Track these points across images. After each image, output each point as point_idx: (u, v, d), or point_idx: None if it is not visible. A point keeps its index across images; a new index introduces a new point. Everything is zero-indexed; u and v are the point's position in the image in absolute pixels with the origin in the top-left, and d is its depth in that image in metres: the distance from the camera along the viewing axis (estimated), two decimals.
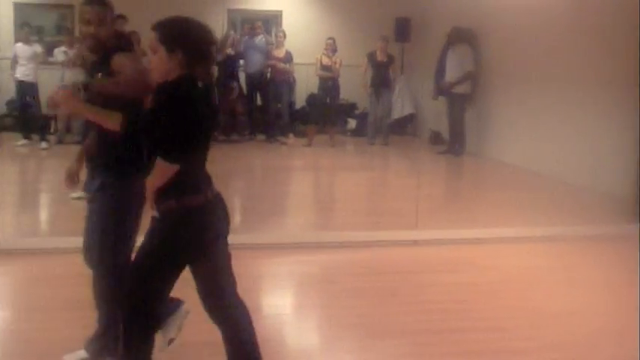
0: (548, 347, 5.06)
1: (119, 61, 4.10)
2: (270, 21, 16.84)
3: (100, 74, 4.14)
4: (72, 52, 13.79)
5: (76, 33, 14.84)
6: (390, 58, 15.08)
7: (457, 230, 8.11)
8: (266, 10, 16.86)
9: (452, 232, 7.99)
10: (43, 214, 9.64)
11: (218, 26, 16.12)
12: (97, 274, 4.38)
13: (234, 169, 12.55)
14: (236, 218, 9.48)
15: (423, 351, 4.96)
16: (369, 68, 15.08)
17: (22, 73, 13.78)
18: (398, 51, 15.67)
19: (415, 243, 7.62)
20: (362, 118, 16.13)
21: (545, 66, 11.66)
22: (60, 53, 14.03)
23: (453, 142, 13.92)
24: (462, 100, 13.77)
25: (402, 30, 15.96)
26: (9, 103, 15.05)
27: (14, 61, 13.81)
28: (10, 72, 13.96)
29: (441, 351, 4.97)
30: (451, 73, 13.87)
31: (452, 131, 14.02)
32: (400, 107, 15.90)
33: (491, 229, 8.15)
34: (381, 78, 14.99)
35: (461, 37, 13.87)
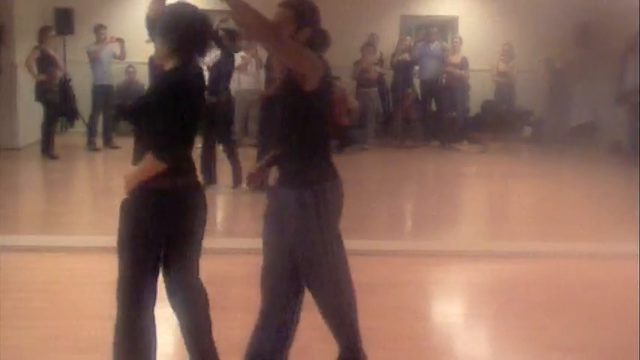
0: None
1: None
2: (446, 26, 16.75)
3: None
4: (249, 56, 14.12)
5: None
6: (569, 64, 14.71)
7: (624, 243, 7.73)
8: (441, 16, 16.78)
9: (629, 246, 7.66)
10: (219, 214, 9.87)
11: (391, 32, 16.19)
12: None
13: (407, 175, 12.56)
14: (407, 224, 9.49)
15: None
16: (547, 74, 14.75)
17: None
18: (577, 57, 15.27)
19: (592, 255, 7.37)
20: (538, 125, 15.82)
21: None
22: (238, 58, 14.36)
23: (632, 153, 13.41)
24: None
25: (582, 35, 15.55)
26: None
27: None
28: None
29: None
30: (632, 81, 13.38)
31: (631, 141, 13.52)
32: (578, 114, 15.50)
33: None
34: (559, 85, 14.64)
35: None
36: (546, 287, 6.48)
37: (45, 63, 12.84)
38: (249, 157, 11.61)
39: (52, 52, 13.03)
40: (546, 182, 12.13)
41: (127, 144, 14.12)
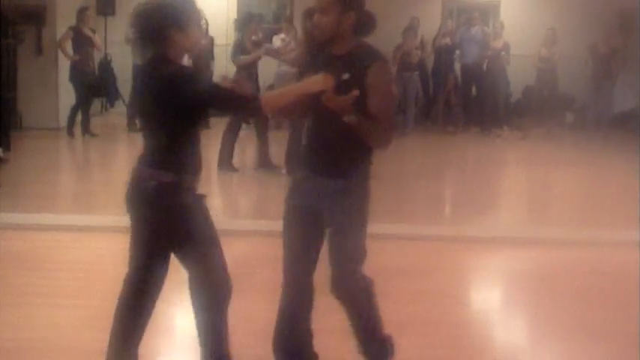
0: None
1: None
2: (488, 11, 16.60)
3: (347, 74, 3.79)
4: (289, 39, 14.11)
5: (295, 20, 15.22)
6: (613, 50, 14.49)
7: None
8: (483, 1, 16.63)
9: None
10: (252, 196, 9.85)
11: (433, 16, 16.09)
12: None
13: (448, 161, 12.48)
14: (447, 209, 9.41)
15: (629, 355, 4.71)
16: (591, 60, 14.55)
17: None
18: (621, 43, 15.05)
19: (631, 244, 7.23)
20: (580, 111, 15.64)
21: None
22: (278, 40, 14.37)
23: None
24: None
25: (626, 21, 15.34)
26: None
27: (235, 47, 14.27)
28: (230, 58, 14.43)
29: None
30: None
31: None
32: (622, 101, 15.30)
33: None
34: (603, 71, 14.43)
35: None
36: (585, 275, 6.39)
37: (80, 43, 12.88)
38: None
39: (88, 33, 13.02)
40: (588, 170, 11.99)
41: None
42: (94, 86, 13.12)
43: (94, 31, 13.30)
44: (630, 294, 5.92)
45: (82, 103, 12.98)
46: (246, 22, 11.33)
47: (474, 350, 4.72)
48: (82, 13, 12.95)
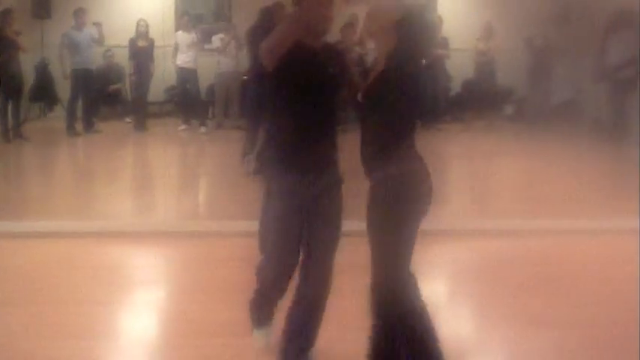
0: None
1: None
2: (426, 6, 16.68)
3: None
4: (228, 38, 14.09)
5: (233, 20, 15.20)
6: (549, 43, 14.68)
7: (618, 220, 7.79)
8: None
9: (613, 222, 7.69)
10: (203, 197, 9.85)
11: None
12: None
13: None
14: None
15: (591, 344, 4.79)
16: (527, 53, 14.72)
17: (183, 60, 14.20)
18: (557, 34, 15.25)
19: (575, 232, 7.37)
20: (519, 103, 15.82)
21: None
22: (217, 40, 14.34)
23: (614, 130, 13.44)
24: (624, 86, 13.25)
25: (562, 13, 15.55)
26: (169, 89, 15.50)
27: (175, 48, 14.23)
28: (171, 59, 14.38)
29: (610, 345, 4.79)
30: (614, 58, 13.36)
31: (614, 118, 13.55)
32: (559, 93, 15.50)
33: None
34: (540, 62, 14.62)
35: (624, 20, 13.34)
36: (531, 264, 6.47)
37: (3, 46, 12.61)
38: (231, 139, 11.61)
39: (11, 35, 12.79)
40: (529, 160, 12.14)
41: (107, 128, 14.12)
42: (11, 88, 12.83)
43: (18, 33, 13.03)
44: (570, 280, 6.03)
45: (14, 107, 12.80)
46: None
47: None
48: (4, 15, 12.71)
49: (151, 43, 14.33)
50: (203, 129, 13.90)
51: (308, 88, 3.83)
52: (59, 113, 14.40)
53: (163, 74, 14.75)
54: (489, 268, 6.38)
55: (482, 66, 14.97)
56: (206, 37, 14.91)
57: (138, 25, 14.18)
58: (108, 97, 15.36)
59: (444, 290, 6.17)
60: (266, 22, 9.70)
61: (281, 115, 3.91)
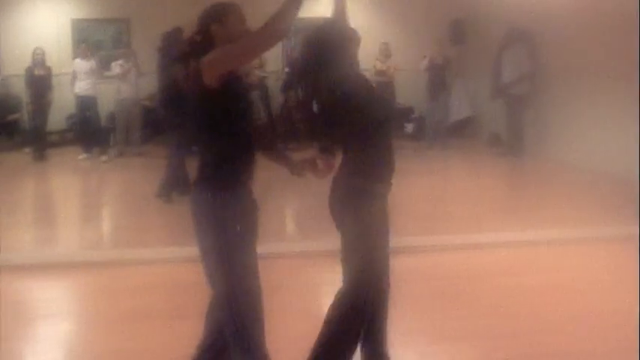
0: (611, 350, 4.97)
1: None
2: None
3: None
4: (128, 65, 13.98)
5: (132, 46, 15.08)
6: (446, 61, 14.97)
7: (518, 232, 8.01)
8: (321, 17, 16.83)
9: (513, 235, 7.90)
10: (105, 227, 9.74)
11: None
12: None
13: (289, 177, 12.52)
14: (290, 226, 9.46)
15: (487, 356, 4.90)
16: (426, 71, 14.97)
17: (82, 88, 14.01)
18: (454, 53, 15.57)
19: (476, 246, 7.53)
20: (419, 122, 16.04)
21: (602, 63, 11.49)
22: (117, 66, 14.21)
23: (511, 144, 13.78)
24: (519, 101, 13.61)
25: (457, 32, 15.89)
26: (69, 117, 15.29)
27: (73, 76, 14.04)
28: (69, 87, 14.19)
29: (504, 355, 4.91)
30: (508, 74, 13.71)
31: (510, 132, 13.89)
32: (457, 110, 15.79)
33: (552, 231, 8.03)
34: (438, 81, 14.88)
35: (516, 37, 13.71)
36: (432, 280, 6.58)
37: None
38: (133, 166, 11.50)
39: None
40: (429, 177, 12.33)
41: (6, 159, 13.81)
42: None
43: None
44: (475, 295, 6.15)
45: None
46: None
47: None
48: None
49: (49, 71, 14.12)
50: (104, 157, 13.73)
51: (249, 105, 3.94)
52: None
53: (62, 103, 14.55)
54: (392, 284, 6.45)
55: (381, 86, 15.14)
56: (105, 63, 14.75)
57: (34, 53, 13.97)
58: (5, 127, 15.08)
59: None
60: (167, 47, 9.71)
61: (225, 134, 3.83)
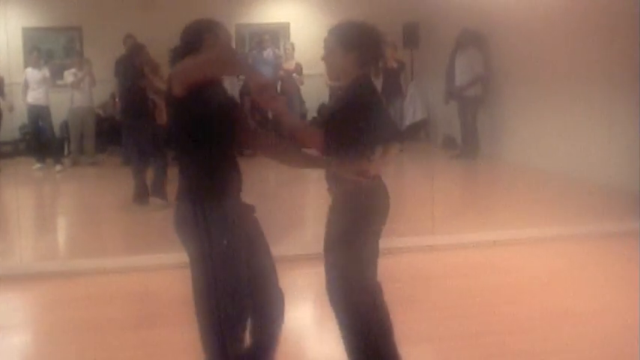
0: (569, 348, 5.03)
1: None
2: (279, 33, 16.85)
3: None
4: (81, 74, 13.89)
5: (85, 54, 14.98)
6: (400, 65, 15.05)
7: (474, 234, 8.08)
8: (273, 23, 16.87)
9: (469, 236, 7.96)
10: (61, 237, 9.67)
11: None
12: None
13: (251, 183, 12.50)
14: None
15: (446, 357, 4.94)
16: (380, 75, 15.00)
17: (34, 97, 13.87)
18: (407, 57, 15.65)
19: (432, 248, 7.59)
20: None
21: (554, 66, 11.62)
22: (70, 75, 14.10)
23: (465, 146, 13.88)
24: (473, 103, 13.73)
25: (411, 35, 15.97)
26: (22, 127, 15.14)
27: (25, 85, 13.90)
28: (21, 97, 14.05)
29: (463, 356, 4.95)
30: (461, 77, 13.82)
31: (464, 135, 13.99)
32: (412, 113, 15.86)
33: (508, 231, 8.08)
34: (393, 85, 14.94)
35: (469, 40, 13.82)
36: (389, 282, 6.59)
37: None
38: (88, 176, 11.43)
39: None
40: (385, 180, 12.33)
41: None
42: None
43: None
44: (425, 296, 6.21)
45: None
46: None
47: None
48: None
49: (1, 80, 13.97)
50: (58, 167, 13.59)
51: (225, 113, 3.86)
52: None
53: (14, 112, 14.39)
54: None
55: (335, 90, 15.18)
56: (57, 72, 14.63)
57: None
58: None
59: (306, 314, 6.25)
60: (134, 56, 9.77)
61: (200, 144, 3.75)
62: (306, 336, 5.64)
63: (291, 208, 10.46)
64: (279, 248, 7.61)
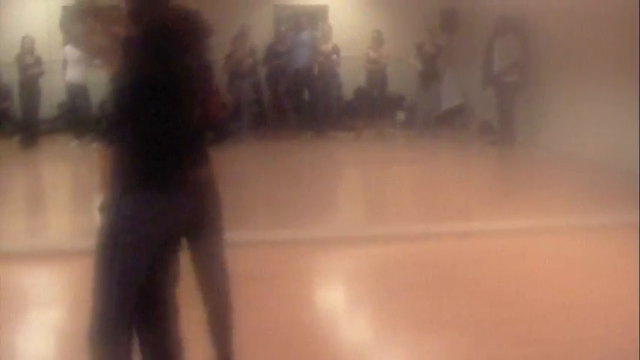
0: (604, 336, 4.99)
1: None
2: (317, 15, 16.81)
3: None
4: None
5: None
6: (438, 50, 14.96)
7: (509, 221, 8.04)
8: (312, 5, 16.84)
9: (504, 223, 7.93)
10: (97, 214, 9.69)
11: (265, 23, 16.21)
12: None
13: (285, 165, 12.54)
14: (287, 213, 9.44)
15: (479, 342, 4.92)
16: (417, 60, 14.95)
17: (72, 75, 13.96)
18: (445, 42, 15.56)
19: (467, 234, 7.56)
20: (411, 110, 16.05)
21: (593, 52, 11.51)
22: None
23: (502, 132, 13.79)
24: (510, 90, 13.62)
25: (449, 21, 15.88)
26: (60, 105, 15.23)
27: (64, 64, 13.98)
28: (60, 75, 14.14)
29: (497, 341, 4.93)
30: (499, 63, 13.71)
31: (501, 121, 13.89)
32: (449, 98, 15.82)
33: (544, 219, 8.05)
34: (429, 70, 14.87)
35: (508, 25, 13.71)
36: (425, 267, 6.60)
37: None
38: None
39: None
40: (421, 166, 12.34)
41: None
42: None
43: None
44: (469, 282, 6.18)
45: None
46: None
47: (327, 347, 4.81)
48: None
49: (38, 58, 14.06)
50: (95, 144, 13.67)
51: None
52: None
53: (53, 90, 14.49)
54: (385, 272, 6.48)
55: (373, 74, 15.15)
56: None
57: (23, 41, 13.92)
58: None
59: (339, 297, 6.25)
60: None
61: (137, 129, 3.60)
62: (338, 317, 5.64)
63: (322, 191, 10.45)
64: (311, 231, 7.72)
